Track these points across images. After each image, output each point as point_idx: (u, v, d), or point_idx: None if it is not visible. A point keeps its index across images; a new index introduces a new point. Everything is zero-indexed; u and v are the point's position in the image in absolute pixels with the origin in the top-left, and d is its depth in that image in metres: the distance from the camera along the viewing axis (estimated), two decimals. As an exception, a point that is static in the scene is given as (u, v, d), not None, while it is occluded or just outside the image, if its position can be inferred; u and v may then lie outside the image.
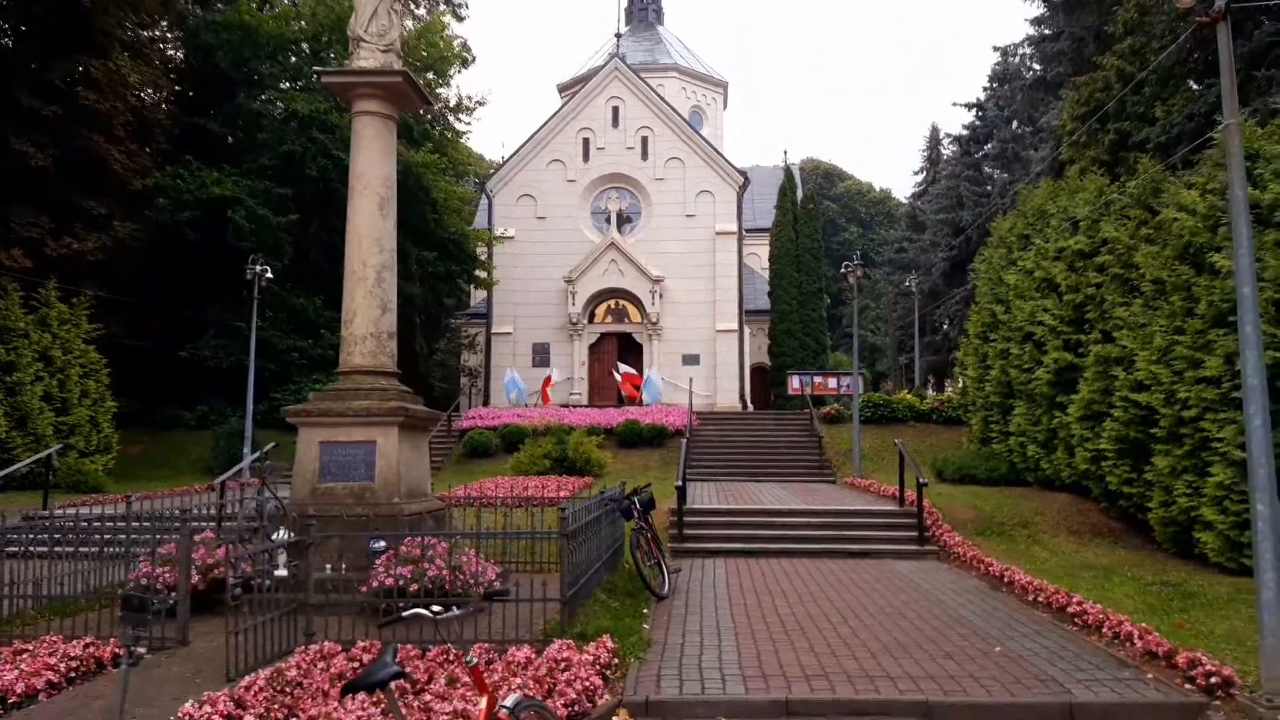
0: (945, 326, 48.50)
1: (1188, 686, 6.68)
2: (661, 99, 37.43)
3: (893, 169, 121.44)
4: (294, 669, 6.56)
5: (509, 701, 4.26)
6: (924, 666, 7.25)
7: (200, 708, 5.60)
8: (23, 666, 6.74)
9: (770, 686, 6.75)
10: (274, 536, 9.09)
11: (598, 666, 6.68)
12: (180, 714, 5.56)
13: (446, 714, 5.52)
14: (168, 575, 8.68)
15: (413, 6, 37.69)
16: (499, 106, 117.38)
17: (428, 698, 5.93)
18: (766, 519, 14.77)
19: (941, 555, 13.24)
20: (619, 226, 36.14)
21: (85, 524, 10.17)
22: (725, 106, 48.30)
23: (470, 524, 11.84)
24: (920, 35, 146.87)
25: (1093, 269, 16.03)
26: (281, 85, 32.24)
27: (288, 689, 6.24)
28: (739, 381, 35.02)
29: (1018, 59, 38.07)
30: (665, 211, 36.09)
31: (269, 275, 24.55)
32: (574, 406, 31.13)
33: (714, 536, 13.90)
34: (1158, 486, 13.16)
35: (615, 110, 36.69)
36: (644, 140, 36.49)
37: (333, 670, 6.62)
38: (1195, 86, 21.16)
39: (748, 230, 39.36)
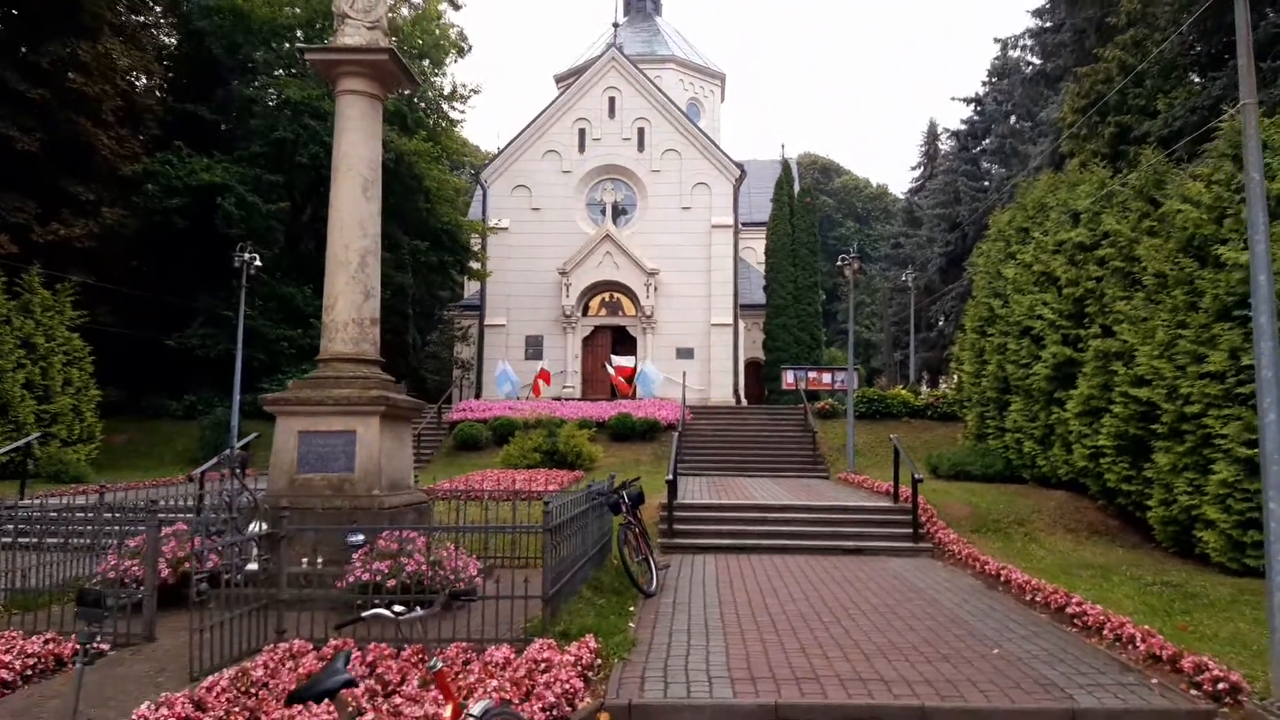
0: (941, 323, 48.28)
1: (1194, 692, 6.41)
2: (658, 90, 37.05)
3: (890, 164, 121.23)
4: (260, 668, 6.26)
5: (476, 709, 3.97)
6: (919, 669, 6.97)
7: (156, 710, 5.30)
8: (-26, 664, 6.43)
9: (759, 690, 6.46)
10: (249, 529, 8.81)
11: (579, 668, 6.39)
12: (135, 716, 5.26)
13: (414, 719, 5.23)
14: (136, 568, 8.37)
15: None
16: (496, 98, 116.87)
17: (398, 700, 5.64)
18: (758, 514, 14.49)
19: (936, 553, 12.98)
20: (614, 218, 35.78)
21: (54, 514, 9.85)
22: (723, 99, 47.93)
23: (456, 518, 11.54)
24: (919, 30, 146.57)
25: (1093, 262, 15.76)
26: (275, 72, 31.85)
27: (252, 690, 5.95)
28: (733, 376, 34.74)
29: (1018, 52, 37.77)
30: (661, 204, 35.75)
31: (258, 263, 24.21)
32: (566, 400, 30.82)
33: (705, 532, 13.62)
34: (1158, 484, 12.90)
35: (612, 101, 36.32)
36: (640, 131, 36.13)
37: (301, 670, 6.32)
38: (1197, 80, 20.89)
39: (744, 224, 39.02)
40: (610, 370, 32.23)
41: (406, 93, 30.58)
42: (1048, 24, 31.53)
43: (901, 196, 65.21)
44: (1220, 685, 6.30)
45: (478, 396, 33.27)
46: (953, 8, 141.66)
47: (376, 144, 10.69)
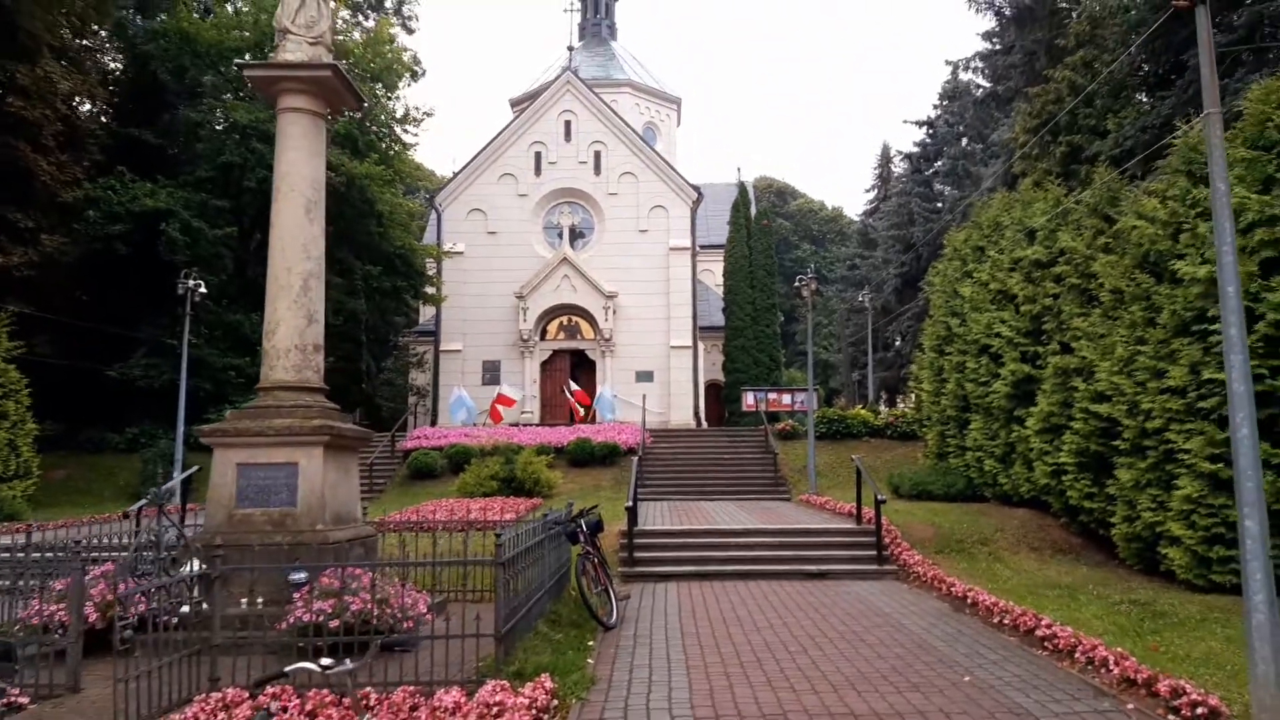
0: (898, 342, 48.59)
1: (1172, 718, 6.19)
2: (614, 113, 36.96)
3: (845, 187, 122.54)
4: (189, 720, 5.80)
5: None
6: (890, 701, 6.68)
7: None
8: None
9: (724, 729, 6.13)
10: (185, 569, 8.31)
11: (534, 710, 6.00)
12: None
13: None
14: (62, 613, 7.83)
15: (361, 19, 37.05)
16: (451, 123, 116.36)
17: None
18: (721, 539, 14.18)
19: (901, 575, 12.77)
20: (572, 242, 35.52)
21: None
22: (679, 123, 48.05)
23: (408, 551, 11.08)
24: (872, 54, 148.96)
25: (1050, 279, 15.77)
26: (224, 96, 31.26)
27: (178, 745, 5.48)
28: (693, 398, 34.50)
29: (969, 74, 38.32)
30: (618, 227, 35.55)
31: (203, 290, 23.54)
32: (525, 425, 30.34)
33: (666, 559, 13.28)
34: (1121, 501, 12.83)
35: (568, 124, 36.15)
36: (597, 154, 35.97)
37: (234, 721, 5.86)
38: (1146, 100, 21.21)
39: (702, 247, 38.97)
40: (569, 395, 31.85)
41: (357, 115, 30.15)
42: (998, 46, 31.99)
43: (856, 219, 65.82)
44: (1199, 710, 6.09)
45: (434, 424, 32.64)
46: (906, 32, 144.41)
47: (320, 163, 10.32)
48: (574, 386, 32.06)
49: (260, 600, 8.23)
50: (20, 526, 12.91)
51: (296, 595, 7.78)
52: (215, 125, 30.11)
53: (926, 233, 42.66)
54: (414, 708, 6.15)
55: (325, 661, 3.62)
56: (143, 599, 7.05)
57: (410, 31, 38.65)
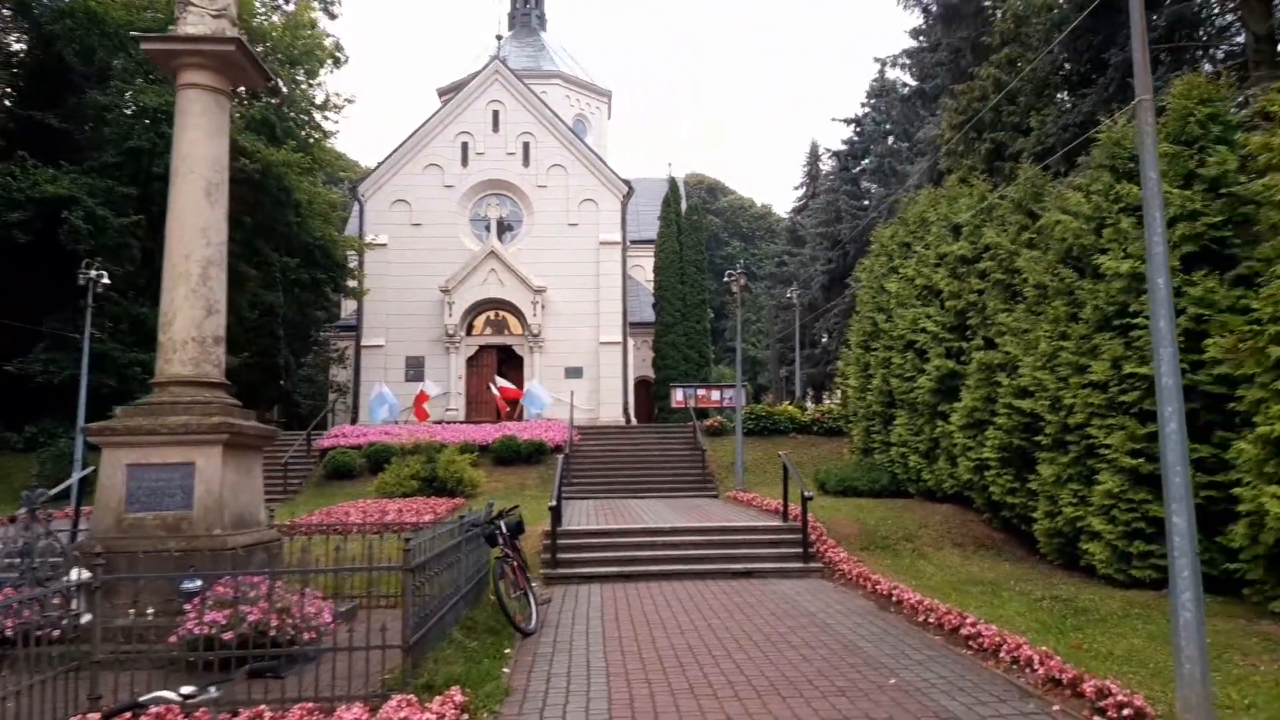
0: (825, 339, 48.97)
1: (1097, 719, 6.09)
2: (544, 104, 36.41)
3: (774, 185, 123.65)
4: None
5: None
6: (814, 707, 6.46)
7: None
8: None
9: (643, 742, 5.82)
10: (68, 578, 7.68)
11: (442, 727, 5.61)
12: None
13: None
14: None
15: (281, 1, 35.75)
16: (376, 113, 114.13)
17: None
18: (647, 539, 13.89)
19: (826, 573, 12.64)
20: (500, 235, 34.88)
21: None
22: (610, 116, 47.70)
23: (315, 556, 10.52)
24: (803, 52, 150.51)
25: (975, 275, 15.85)
26: (136, 80, 29.82)
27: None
28: (623, 395, 34.21)
29: (896, 71, 38.70)
30: (548, 220, 35.04)
31: (106, 281, 22.38)
32: (449, 423, 29.67)
33: (590, 560, 12.94)
34: (1042, 496, 12.91)
35: (496, 114, 35.50)
36: (525, 146, 35.40)
37: (108, 747, 5.33)
38: (1067, 99, 21.57)
39: (632, 242, 38.69)
40: (494, 391, 31.26)
41: (274, 100, 29.08)
42: (925, 44, 32.30)
43: (785, 216, 66.26)
44: (1125, 711, 5.98)
45: (354, 421, 31.72)
46: (837, 29, 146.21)
47: (222, 142, 9.70)
48: (501, 382, 31.47)
49: (150, 611, 7.65)
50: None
51: (188, 606, 7.24)
52: (124, 110, 28.72)
53: (854, 229, 43.05)
54: (312, 727, 5.71)
55: (186, 690, 3.18)
56: (13, 611, 6.45)
57: (333, 17, 37.37)
